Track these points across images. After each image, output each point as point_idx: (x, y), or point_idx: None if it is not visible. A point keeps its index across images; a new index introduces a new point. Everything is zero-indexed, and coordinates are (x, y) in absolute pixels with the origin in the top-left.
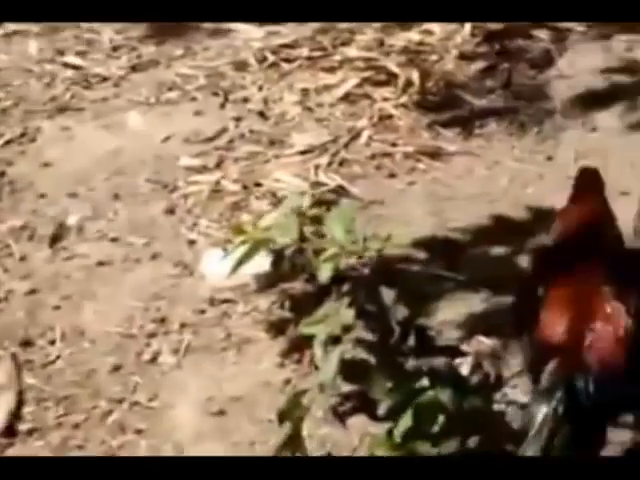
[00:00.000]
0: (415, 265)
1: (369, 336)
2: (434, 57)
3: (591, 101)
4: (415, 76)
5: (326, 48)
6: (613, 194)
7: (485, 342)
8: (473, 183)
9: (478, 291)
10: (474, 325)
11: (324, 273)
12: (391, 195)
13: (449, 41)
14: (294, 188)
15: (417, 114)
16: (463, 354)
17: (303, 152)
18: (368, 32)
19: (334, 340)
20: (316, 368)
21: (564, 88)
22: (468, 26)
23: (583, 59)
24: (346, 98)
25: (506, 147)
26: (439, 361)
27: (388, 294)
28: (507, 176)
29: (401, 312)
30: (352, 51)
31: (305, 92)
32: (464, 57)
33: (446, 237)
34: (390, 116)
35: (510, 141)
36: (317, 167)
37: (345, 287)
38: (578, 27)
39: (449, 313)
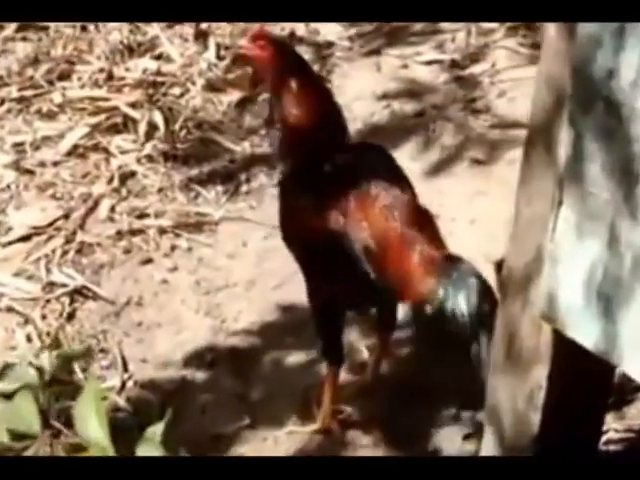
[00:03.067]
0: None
1: None
2: (177, 90)
3: (373, 137)
4: (158, 118)
5: (40, 85)
6: None
7: None
8: (249, 261)
9: (281, 426)
10: None
11: None
12: (150, 291)
13: (192, 67)
14: (20, 294)
15: (166, 169)
16: None
17: (25, 237)
18: (93, 62)
19: None
20: None
21: None
22: (213, 47)
23: (353, 82)
24: (74, 153)
25: None
26: None
27: None
28: None
29: None
30: (74, 89)
31: (20, 148)
32: (213, 88)
33: (227, 345)
34: (133, 174)
35: None
36: (48, 260)
37: None
38: (341, 41)
39: None
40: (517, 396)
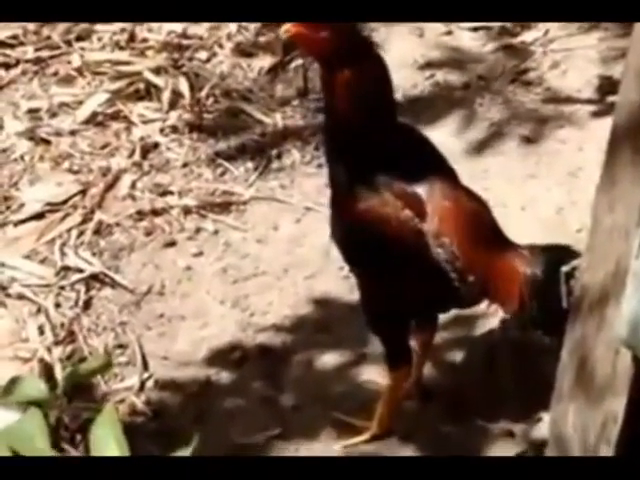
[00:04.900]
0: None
1: None
2: (203, 55)
3: (414, 111)
4: (183, 85)
5: (58, 45)
6: None
7: None
8: (281, 247)
9: (314, 437)
10: None
11: None
12: (173, 279)
13: (220, 30)
14: (32, 279)
15: (192, 141)
16: None
17: (39, 215)
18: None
19: None
20: None
21: None
22: None
23: (392, 49)
24: (93, 121)
25: (318, 184)
26: None
27: None
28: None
29: None
30: (94, 51)
31: (35, 115)
32: (242, 52)
33: (256, 342)
34: (156, 146)
35: (322, 175)
36: (63, 242)
37: None
38: None
39: None
40: (588, 427)
